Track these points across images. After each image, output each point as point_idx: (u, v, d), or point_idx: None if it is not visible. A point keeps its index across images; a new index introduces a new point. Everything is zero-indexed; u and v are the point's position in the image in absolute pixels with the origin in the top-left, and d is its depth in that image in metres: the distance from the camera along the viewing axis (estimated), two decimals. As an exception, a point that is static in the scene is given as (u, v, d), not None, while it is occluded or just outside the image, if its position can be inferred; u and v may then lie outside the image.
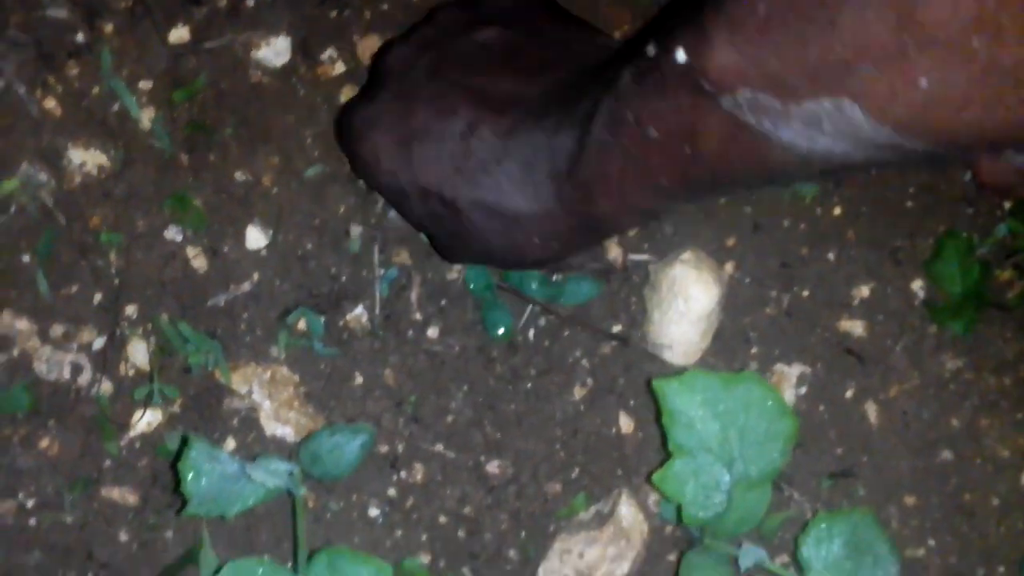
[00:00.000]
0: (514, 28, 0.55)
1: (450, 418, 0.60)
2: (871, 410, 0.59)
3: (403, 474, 0.59)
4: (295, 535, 0.50)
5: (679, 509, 0.48)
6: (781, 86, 0.36)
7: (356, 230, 0.61)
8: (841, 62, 0.34)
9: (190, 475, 0.47)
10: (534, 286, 0.62)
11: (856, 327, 0.60)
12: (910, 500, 0.58)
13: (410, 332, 0.61)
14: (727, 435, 0.46)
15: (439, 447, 0.60)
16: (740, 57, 0.37)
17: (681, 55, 0.39)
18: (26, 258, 0.58)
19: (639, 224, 0.59)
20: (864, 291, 0.61)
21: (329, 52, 0.63)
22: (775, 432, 0.47)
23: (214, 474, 0.47)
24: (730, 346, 0.60)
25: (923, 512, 0.58)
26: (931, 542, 0.57)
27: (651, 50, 0.42)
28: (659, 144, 0.43)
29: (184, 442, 0.47)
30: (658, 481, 0.47)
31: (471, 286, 0.62)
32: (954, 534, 0.58)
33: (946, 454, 0.58)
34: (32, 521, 0.57)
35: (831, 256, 0.61)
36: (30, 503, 0.57)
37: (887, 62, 0.33)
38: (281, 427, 0.58)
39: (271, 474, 0.47)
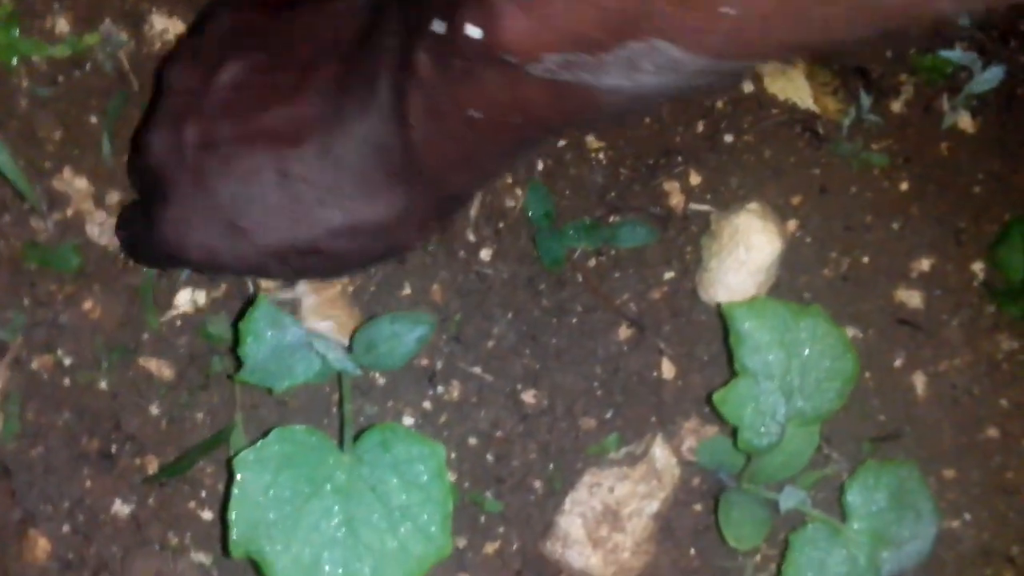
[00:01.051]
0: (246, 49, 0.48)
1: (492, 343, 0.60)
2: (919, 381, 0.59)
3: (440, 389, 0.59)
4: (342, 414, 0.49)
5: (734, 433, 0.47)
6: (587, 41, 0.35)
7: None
8: (638, 7, 0.33)
9: (250, 338, 0.46)
10: (590, 226, 0.61)
11: (913, 298, 0.60)
12: (950, 473, 0.57)
13: (462, 252, 0.61)
14: (790, 365, 0.46)
15: (477, 369, 0.59)
16: (536, 22, 0.35)
17: (473, 30, 0.37)
18: (94, 119, 0.57)
19: (503, 176, 0.58)
20: (924, 264, 0.60)
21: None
22: (835, 370, 0.47)
23: (273, 342, 0.46)
24: (792, 304, 0.60)
25: (962, 486, 0.57)
26: (967, 516, 0.57)
27: (438, 27, 0.39)
28: (486, 121, 0.41)
29: (251, 301, 0.46)
30: (719, 400, 0.47)
31: (529, 213, 0.61)
32: (991, 511, 0.57)
33: (992, 432, 0.58)
34: (67, 381, 0.56)
35: (895, 226, 0.61)
36: (68, 361, 0.56)
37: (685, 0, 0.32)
38: (322, 322, 0.58)
39: (330, 348, 0.47)
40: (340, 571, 0.43)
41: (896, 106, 0.64)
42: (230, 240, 0.47)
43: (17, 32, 0.55)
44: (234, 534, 0.44)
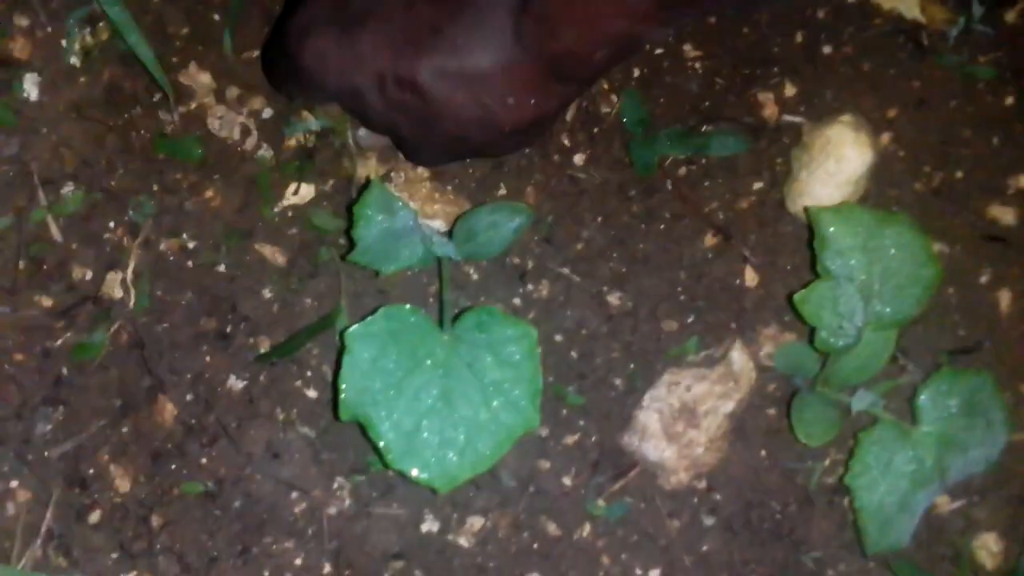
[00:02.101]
0: None
1: (581, 245, 0.62)
2: (1004, 297, 0.59)
3: (530, 287, 0.62)
4: (442, 298, 0.53)
5: (812, 333, 0.49)
6: None
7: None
8: None
9: (362, 221, 0.49)
10: (683, 134, 0.62)
11: (1006, 215, 0.60)
12: (1027, 388, 0.58)
13: (557, 156, 0.63)
14: (872, 270, 0.47)
15: (566, 270, 0.62)
16: None
17: None
18: (217, 16, 0.61)
19: (615, 59, 0.52)
20: (1022, 181, 0.60)
21: None
22: (917, 277, 0.48)
23: (383, 226, 0.50)
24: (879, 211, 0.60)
25: (1039, 401, 0.58)
26: (1041, 430, 0.57)
27: None
28: None
29: (367, 184, 0.50)
30: (799, 301, 0.49)
31: (624, 119, 0.63)
32: (1067, 427, 0.58)
33: (1075, 349, 0.58)
34: (190, 263, 0.61)
35: (995, 141, 0.60)
36: (191, 244, 0.61)
37: None
38: (431, 221, 0.60)
39: (434, 233, 0.50)
40: (437, 438, 0.47)
41: (1010, 16, 0.62)
42: (342, 48, 0.49)
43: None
44: (344, 399, 0.49)
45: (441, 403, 0.48)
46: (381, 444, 0.48)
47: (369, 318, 0.49)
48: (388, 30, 0.48)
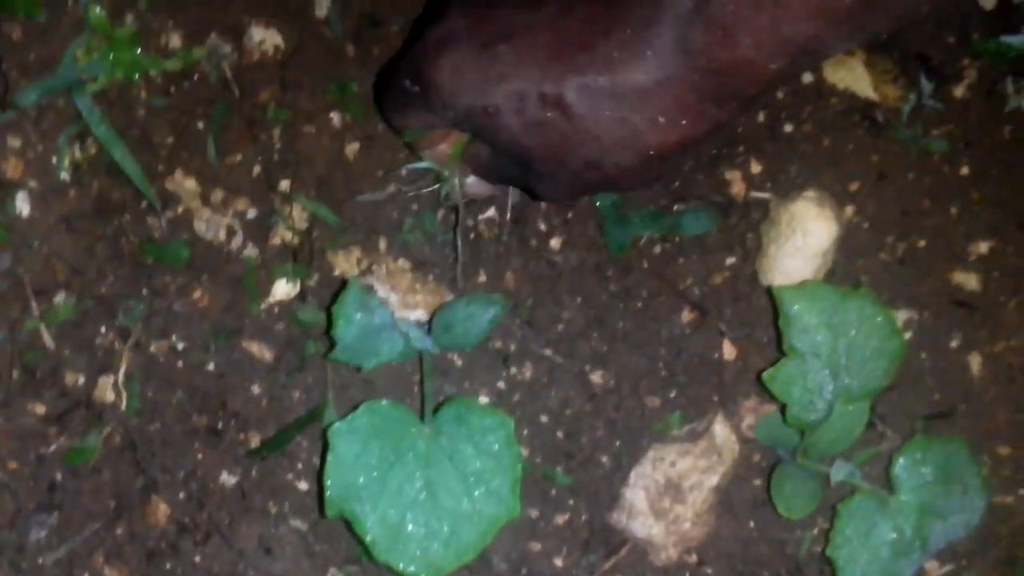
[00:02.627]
0: None
1: (561, 326, 0.64)
2: (975, 361, 0.60)
3: (513, 370, 0.63)
4: (423, 390, 0.54)
5: (783, 410, 0.50)
6: None
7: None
8: None
9: (341, 320, 0.51)
10: (655, 214, 0.64)
11: (970, 280, 0.61)
12: (1004, 450, 0.59)
13: (534, 240, 0.65)
14: (836, 345, 0.48)
15: (548, 351, 0.63)
16: None
17: None
18: (201, 124, 0.63)
19: (786, 76, 0.45)
20: (982, 247, 0.62)
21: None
22: (882, 350, 0.49)
23: (361, 324, 0.51)
24: (841, 287, 0.62)
25: (1016, 462, 0.59)
26: (1021, 491, 0.58)
27: None
28: None
29: (342, 285, 0.52)
30: (768, 379, 0.50)
31: (597, 203, 0.65)
32: (1045, 487, 0.59)
33: (1047, 410, 0.59)
34: (180, 363, 0.62)
35: (953, 211, 0.62)
36: (180, 345, 0.62)
37: None
38: (412, 312, 0.62)
39: (411, 329, 0.51)
40: (422, 530, 0.48)
41: (958, 91, 0.65)
42: (481, 63, 0.46)
43: (139, 50, 0.61)
44: (329, 496, 0.50)
45: (425, 495, 0.49)
46: (368, 539, 0.49)
47: (351, 415, 0.50)
48: (535, 44, 0.45)
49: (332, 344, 0.54)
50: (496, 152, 0.51)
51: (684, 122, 0.45)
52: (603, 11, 0.44)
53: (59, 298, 0.61)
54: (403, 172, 0.60)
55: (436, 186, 0.61)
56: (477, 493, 0.49)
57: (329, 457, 0.49)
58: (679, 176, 0.56)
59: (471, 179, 0.57)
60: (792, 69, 0.45)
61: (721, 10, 0.40)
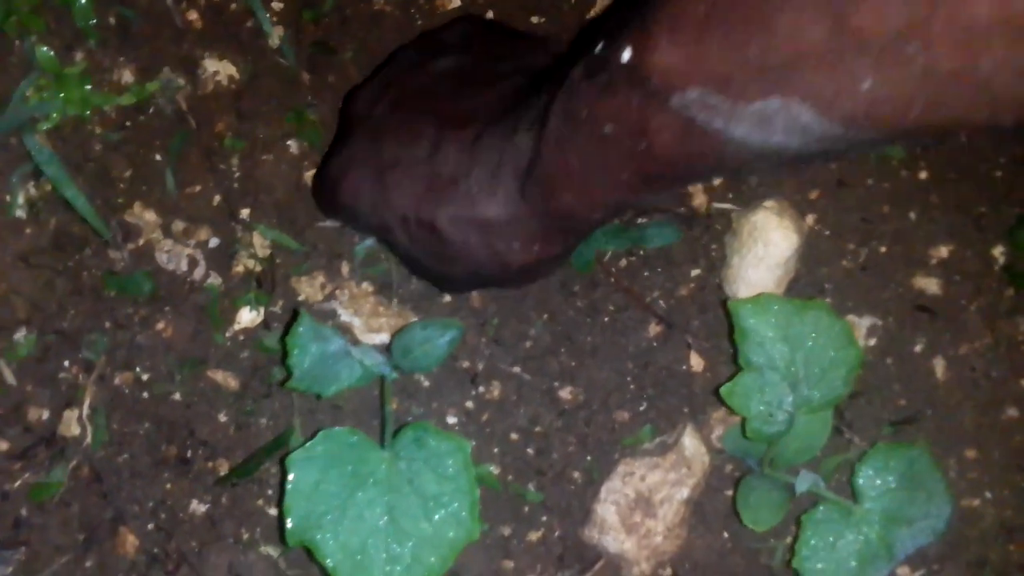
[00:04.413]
0: (467, 53, 0.58)
1: (529, 343, 0.64)
2: (939, 365, 0.60)
3: (481, 389, 0.63)
4: (383, 415, 0.54)
5: (743, 423, 0.50)
6: (727, 86, 0.36)
7: (456, 156, 0.65)
8: (783, 63, 0.34)
9: (296, 351, 0.51)
10: (618, 228, 0.65)
11: (931, 285, 0.62)
12: (971, 453, 0.59)
13: (498, 259, 0.65)
14: (794, 357, 0.48)
15: (516, 369, 0.63)
16: (683, 57, 0.37)
17: (627, 54, 0.39)
18: (158, 156, 0.63)
19: (609, 219, 0.57)
20: (943, 251, 0.62)
21: (445, -11, 0.67)
22: (839, 360, 0.49)
23: (317, 352, 0.51)
24: (804, 295, 0.62)
25: (983, 466, 0.59)
26: (988, 495, 0.58)
27: (600, 48, 0.42)
28: (614, 140, 0.43)
29: (294, 316, 0.52)
30: (726, 394, 0.50)
31: (559, 220, 0.65)
32: (1013, 489, 0.59)
33: (1012, 412, 0.59)
34: (145, 394, 0.62)
35: (912, 216, 0.63)
36: (145, 376, 0.62)
37: (828, 64, 0.33)
38: (376, 335, 0.62)
39: (368, 355, 0.51)
40: (384, 555, 0.48)
41: (915, 96, 0.66)
42: (373, 189, 0.56)
43: (89, 87, 0.61)
44: (289, 525, 0.50)
45: (385, 520, 0.49)
46: (329, 565, 0.49)
47: (308, 443, 0.50)
48: (413, 176, 0.54)
49: (289, 374, 0.53)
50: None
51: (536, 247, 0.54)
52: (464, 156, 0.53)
53: (20, 335, 0.61)
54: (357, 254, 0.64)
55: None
56: (437, 517, 0.49)
57: (288, 487, 0.49)
58: (555, 271, 0.62)
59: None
60: (617, 212, 0.57)
61: (544, 172, 0.49)
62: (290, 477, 0.49)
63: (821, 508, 0.52)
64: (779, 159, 0.39)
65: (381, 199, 0.55)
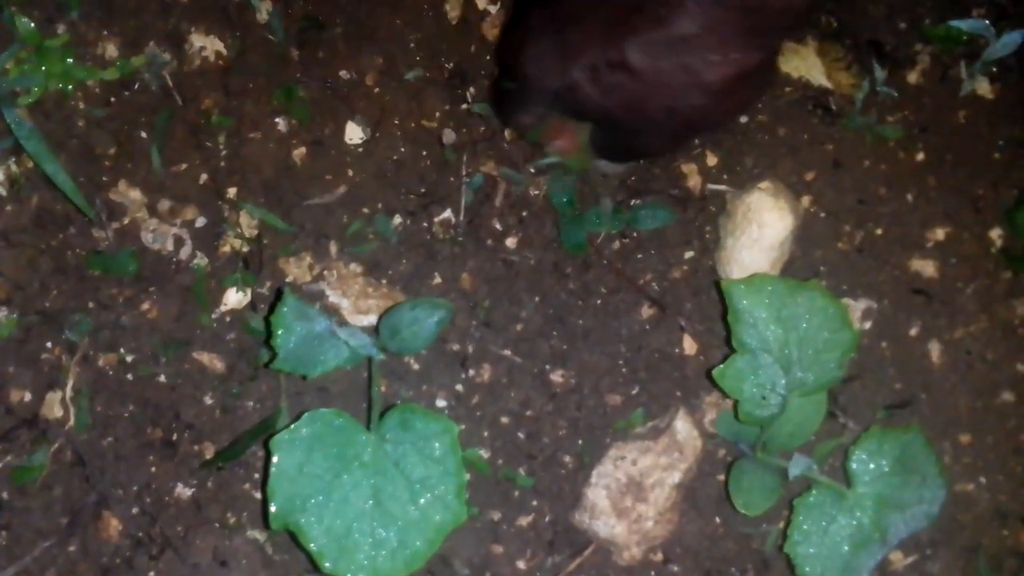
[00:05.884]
0: None
1: (520, 326, 0.63)
2: (934, 349, 0.60)
3: (471, 372, 0.62)
4: (370, 396, 0.53)
5: (736, 407, 0.49)
6: None
7: (449, 136, 0.64)
8: None
9: (280, 331, 0.50)
10: (612, 209, 0.64)
11: (927, 267, 0.61)
12: (965, 438, 0.58)
13: (489, 240, 0.64)
14: (788, 339, 0.47)
15: (507, 352, 0.62)
16: None
17: None
18: (144, 134, 0.62)
19: (813, 6, 0.55)
20: (939, 234, 0.61)
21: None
22: (834, 342, 0.48)
23: (302, 333, 0.50)
24: (799, 277, 0.61)
25: (977, 450, 0.58)
26: (982, 479, 0.58)
27: None
28: None
29: (278, 295, 0.51)
30: (718, 376, 0.49)
31: (553, 200, 0.64)
32: (1007, 474, 0.58)
33: (1007, 396, 0.59)
34: (130, 376, 0.61)
35: (909, 197, 0.62)
36: (130, 358, 0.61)
37: None
38: (365, 316, 0.61)
39: (354, 335, 0.50)
40: (369, 540, 0.47)
41: (912, 77, 0.65)
42: (556, 50, 0.54)
43: (72, 60, 0.60)
44: (273, 509, 0.49)
45: (371, 503, 0.48)
46: (313, 549, 0.48)
47: (293, 425, 0.49)
48: (596, 20, 0.53)
49: (274, 354, 0.52)
50: (597, 127, 0.59)
51: (735, 56, 0.51)
52: None
53: (0, 315, 0.60)
54: (531, 170, 0.63)
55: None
56: (423, 500, 0.48)
57: (272, 469, 0.48)
58: (751, 107, 0.60)
59: (602, 162, 0.63)
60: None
61: None
62: (274, 459, 0.48)
63: (814, 492, 0.51)
64: None
65: (567, 55, 0.54)
